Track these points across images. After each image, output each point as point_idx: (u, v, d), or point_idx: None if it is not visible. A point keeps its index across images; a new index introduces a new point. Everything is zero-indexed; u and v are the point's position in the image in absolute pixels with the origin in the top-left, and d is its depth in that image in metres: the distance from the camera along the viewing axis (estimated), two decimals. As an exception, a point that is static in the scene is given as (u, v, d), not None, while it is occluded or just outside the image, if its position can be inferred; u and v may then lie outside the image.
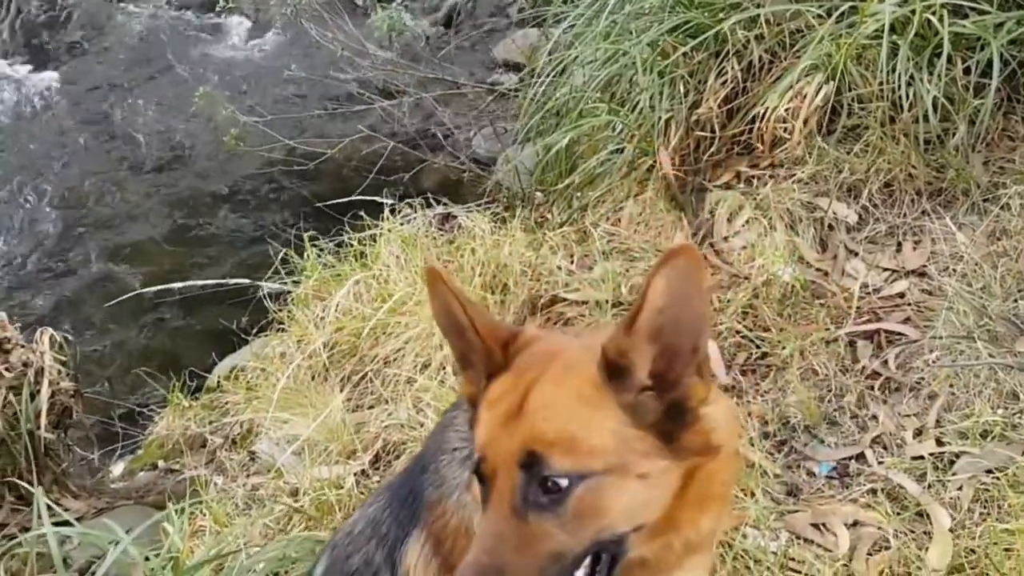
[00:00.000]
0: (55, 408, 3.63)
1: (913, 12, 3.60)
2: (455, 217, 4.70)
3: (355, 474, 3.24)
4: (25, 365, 3.54)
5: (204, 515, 3.09)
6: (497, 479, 1.40)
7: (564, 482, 1.37)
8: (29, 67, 8.58)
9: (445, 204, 4.73)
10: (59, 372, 3.69)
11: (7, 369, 3.47)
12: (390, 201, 4.52)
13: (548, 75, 4.80)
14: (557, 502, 1.38)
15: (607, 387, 1.42)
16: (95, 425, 4.43)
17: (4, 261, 6.63)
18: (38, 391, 3.55)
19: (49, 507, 2.81)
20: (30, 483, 3.26)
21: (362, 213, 4.62)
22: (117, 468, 4.32)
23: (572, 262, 4.10)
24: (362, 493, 3.20)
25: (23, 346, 3.61)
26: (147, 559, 2.45)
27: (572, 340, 1.63)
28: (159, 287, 4.70)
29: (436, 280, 1.51)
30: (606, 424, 1.41)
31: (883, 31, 3.58)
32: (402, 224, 4.41)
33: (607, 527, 1.40)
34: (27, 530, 3.05)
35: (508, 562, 1.35)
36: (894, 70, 3.59)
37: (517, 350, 1.52)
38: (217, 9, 8.81)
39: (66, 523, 2.65)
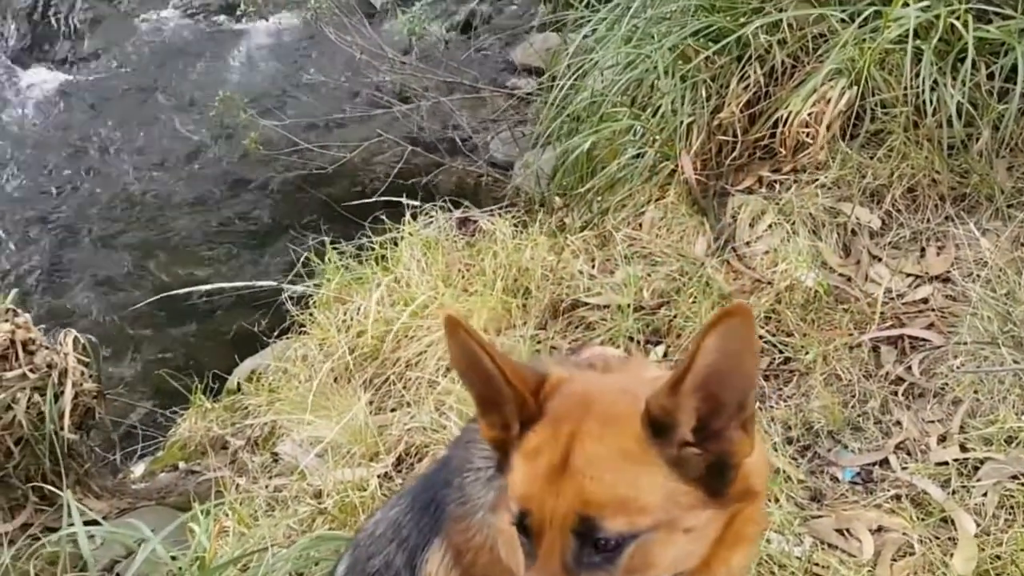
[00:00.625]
0: (78, 409, 3.65)
1: (937, 17, 3.59)
2: (474, 221, 4.71)
3: (378, 476, 3.25)
4: (49, 367, 3.56)
5: (227, 516, 3.09)
6: (545, 537, 1.40)
7: (617, 542, 1.38)
8: (50, 70, 8.63)
9: (466, 207, 4.74)
10: (82, 373, 3.72)
11: (32, 370, 3.49)
12: (416, 203, 4.52)
13: (569, 79, 4.80)
14: (609, 560, 1.38)
15: (652, 442, 1.41)
16: (117, 426, 4.46)
17: (27, 263, 6.67)
18: (62, 392, 3.57)
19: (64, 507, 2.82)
20: (54, 484, 3.28)
21: (383, 216, 4.63)
22: (138, 469, 4.35)
23: (593, 266, 4.10)
24: (384, 495, 3.21)
25: (47, 348, 3.64)
26: (173, 558, 2.46)
27: (603, 382, 1.59)
28: (185, 290, 4.72)
29: (456, 328, 1.46)
30: (654, 480, 1.40)
31: (907, 36, 3.56)
32: (423, 227, 4.42)
33: None
34: (51, 530, 3.07)
35: None
36: (918, 75, 3.58)
37: (547, 395, 1.49)
38: (237, 13, 8.89)
39: (94, 522, 2.66)
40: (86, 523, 2.65)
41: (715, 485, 1.43)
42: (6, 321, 3.56)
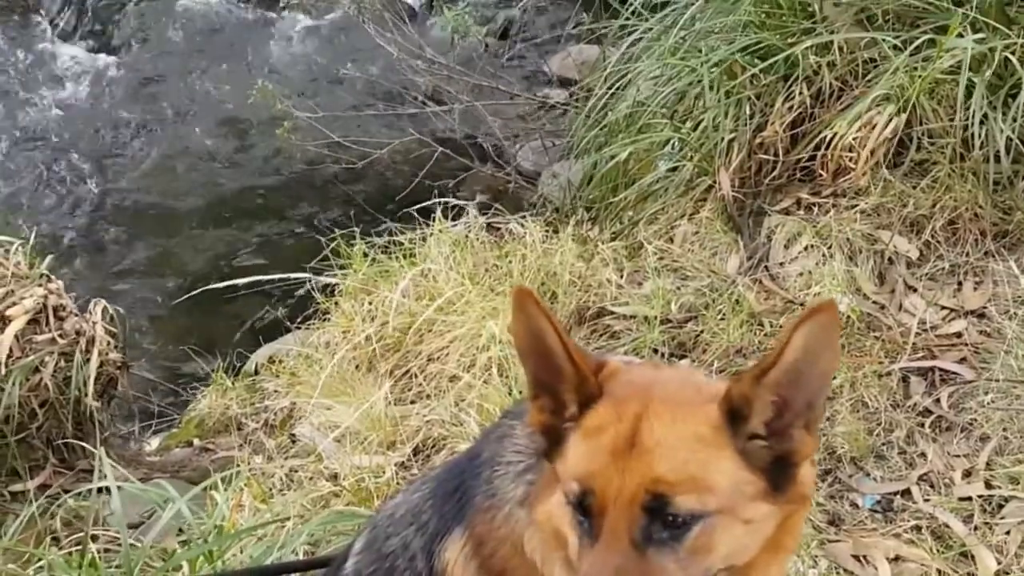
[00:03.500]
0: (102, 378, 3.69)
1: (992, 50, 3.57)
2: (497, 228, 4.71)
3: (395, 465, 3.24)
4: (78, 334, 3.60)
5: (243, 492, 3.09)
6: (610, 514, 1.39)
7: (685, 520, 1.39)
8: (93, 51, 8.69)
9: (498, 209, 4.74)
10: (108, 343, 3.75)
11: (61, 336, 3.52)
12: (454, 201, 4.53)
13: (608, 88, 4.80)
14: (676, 538, 1.39)
15: (725, 429, 1.43)
16: (136, 399, 4.47)
17: (62, 234, 6.73)
18: (87, 360, 3.60)
19: (90, 471, 2.84)
20: (74, 448, 3.30)
21: (413, 212, 4.64)
22: (153, 442, 4.36)
23: (622, 276, 4.09)
24: (400, 484, 3.20)
25: (77, 315, 3.67)
26: (198, 520, 2.47)
27: (661, 372, 1.62)
28: (222, 284, 4.72)
29: (527, 301, 1.45)
30: (724, 465, 1.42)
31: (960, 67, 3.55)
32: (453, 225, 4.42)
33: (710, 566, 1.42)
34: (69, 493, 3.08)
35: None
36: (968, 107, 3.56)
37: (606, 378, 1.50)
38: (280, 4, 8.94)
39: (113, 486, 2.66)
40: (105, 489, 2.65)
41: (777, 481, 1.44)
42: (40, 286, 3.59)
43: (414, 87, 7.28)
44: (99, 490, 2.94)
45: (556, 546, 1.51)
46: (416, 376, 3.77)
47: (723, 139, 4.06)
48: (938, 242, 3.71)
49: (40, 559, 2.43)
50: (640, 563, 1.38)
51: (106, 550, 2.57)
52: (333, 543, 2.57)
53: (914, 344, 3.46)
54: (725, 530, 1.41)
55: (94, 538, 2.51)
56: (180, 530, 2.88)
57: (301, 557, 2.46)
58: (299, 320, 4.71)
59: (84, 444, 3.39)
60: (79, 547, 2.45)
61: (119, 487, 2.41)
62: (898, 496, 3.06)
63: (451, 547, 1.69)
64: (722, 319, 3.67)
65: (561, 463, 1.48)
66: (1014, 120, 3.53)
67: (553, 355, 1.47)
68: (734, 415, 1.42)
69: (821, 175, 3.91)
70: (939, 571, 2.76)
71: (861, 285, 3.67)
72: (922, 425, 3.23)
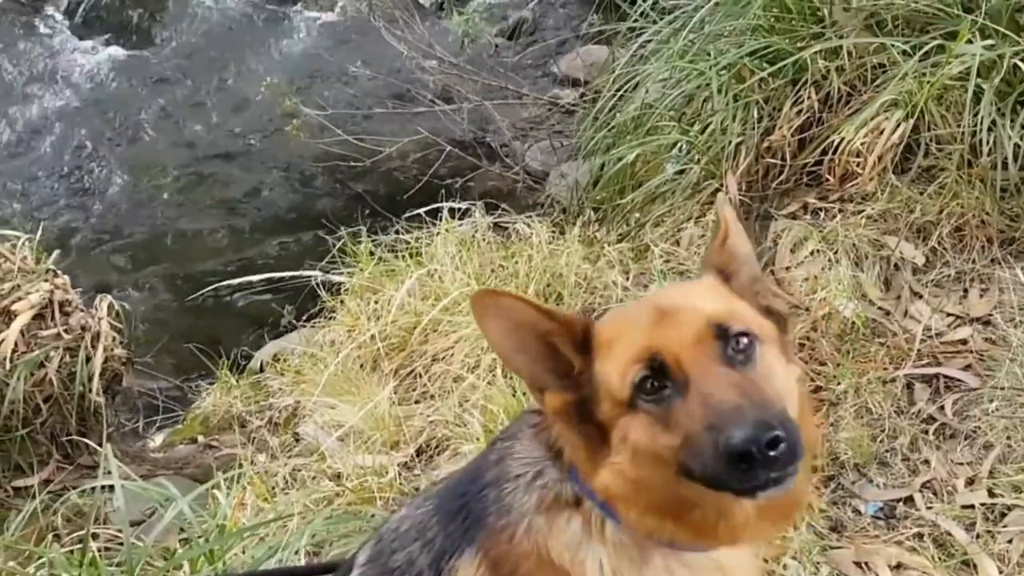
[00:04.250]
0: (106, 373, 3.70)
1: (1001, 56, 3.55)
2: (505, 228, 4.71)
3: (398, 465, 3.24)
4: (83, 329, 3.61)
5: (246, 490, 3.09)
6: (687, 356, 1.45)
7: (747, 340, 1.49)
8: (106, 45, 8.73)
9: (504, 210, 4.74)
10: (114, 339, 3.76)
11: (66, 331, 3.53)
12: (460, 205, 4.53)
13: (616, 90, 4.79)
14: (748, 358, 1.48)
15: (724, 286, 1.61)
16: (141, 395, 4.48)
17: (70, 230, 6.75)
18: (92, 355, 3.60)
19: (93, 467, 2.84)
20: (78, 444, 3.31)
21: (421, 212, 4.64)
22: (157, 439, 4.37)
23: (628, 278, 4.09)
24: (403, 484, 3.20)
25: (83, 310, 3.67)
26: (199, 518, 2.47)
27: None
28: (228, 282, 4.75)
29: (493, 298, 1.53)
30: (740, 304, 1.57)
31: (969, 73, 3.53)
32: (460, 224, 4.42)
33: (782, 397, 1.47)
34: (72, 488, 3.08)
35: (759, 397, 1.41)
36: (976, 114, 3.54)
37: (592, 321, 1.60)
38: (292, 1, 8.95)
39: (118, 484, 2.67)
40: (110, 485, 2.65)
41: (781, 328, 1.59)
42: (46, 281, 3.60)
43: (423, 86, 7.29)
44: (102, 487, 2.94)
45: (655, 464, 1.49)
46: (420, 376, 3.77)
47: (731, 142, 4.05)
48: (944, 248, 3.69)
49: (41, 557, 2.43)
50: (742, 376, 1.45)
51: (106, 548, 2.57)
52: (336, 545, 2.57)
53: (919, 351, 3.44)
54: (775, 358, 1.51)
55: (94, 536, 2.51)
56: (182, 528, 2.89)
57: (303, 558, 2.46)
58: (305, 318, 4.71)
59: (88, 440, 3.39)
60: (80, 545, 2.45)
61: (122, 485, 2.40)
62: (901, 503, 3.05)
63: (463, 569, 1.68)
64: (728, 322, 3.66)
65: (608, 385, 1.51)
66: (1022, 127, 3.52)
67: (534, 326, 1.53)
68: (724, 274, 1.61)
69: (828, 180, 3.90)
70: (940, 579, 2.75)
71: (867, 291, 3.66)
72: (926, 432, 3.21)
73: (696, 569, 1.60)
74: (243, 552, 2.48)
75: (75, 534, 2.74)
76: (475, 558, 1.66)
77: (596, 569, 1.57)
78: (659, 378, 1.45)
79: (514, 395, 3.39)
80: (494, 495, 1.68)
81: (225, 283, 4.81)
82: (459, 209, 4.61)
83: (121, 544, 2.35)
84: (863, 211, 3.82)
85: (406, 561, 1.78)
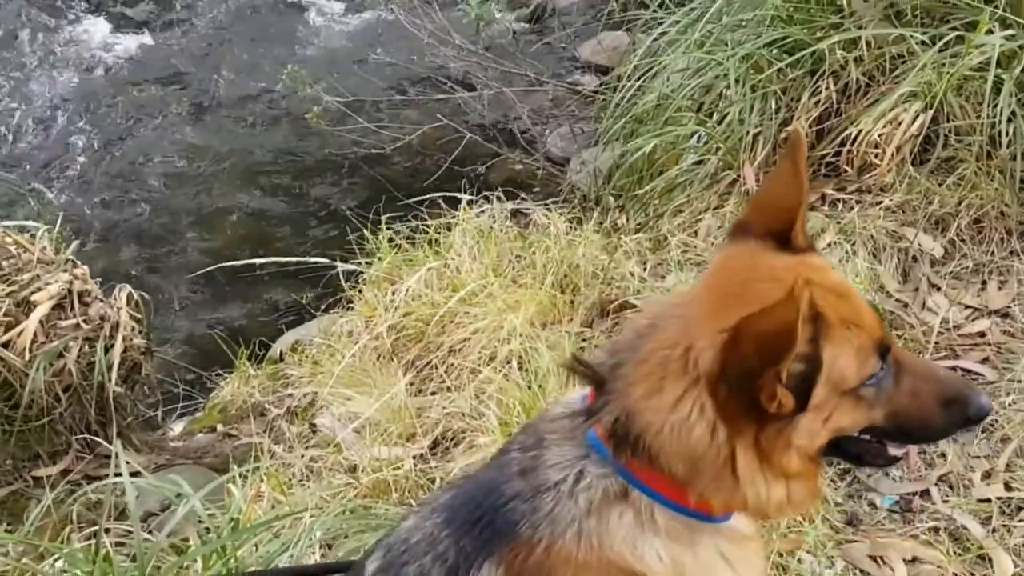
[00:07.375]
0: (125, 363, 3.72)
1: (1021, 47, 3.52)
2: (525, 215, 4.71)
3: (414, 457, 3.26)
4: (102, 319, 3.63)
5: (263, 482, 3.12)
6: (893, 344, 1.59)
7: None
8: (123, 32, 8.75)
9: (522, 199, 4.73)
10: (133, 329, 3.78)
11: (85, 321, 3.56)
12: (473, 199, 4.52)
13: (636, 79, 4.77)
14: None
15: None
16: (160, 384, 4.52)
17: (89, 219, 6.78)
18: (111, 345, 3.64)
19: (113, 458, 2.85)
20: (96, 434, 3.34)
21: (440, 201, 4.64)
22: (176, 428, 4.41)
23: (645, 269, 4.08)
24: (418, 477, 3.22)
25: (102, 300, 3.70)
26: (211, 515, 2.49)
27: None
28: (242, 262, 4.76)
29: (800, 147, 1.63)
30: None
31: (988, 64, 3.50)
32: (477, 215, 4.41)
33: None
34: (89, 478, 3.13)
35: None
36: (996, 105, 3.51)
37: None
38: (311, -12, 8.95)
39: (135, 474, 2.70)
40: (129, 475, 2.67)
41: None
42: (65, 271, 3.63)
43: (445, 73, 7.28)
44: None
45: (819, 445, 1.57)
46: (437, 368, 3.77)
47: (748, 133, 4.04)
48: (963, 240, 3.67)
49: (55, 553, 2.46)
50: None
51: (120, 543, 2.59)
52: (350, 540, 2.58)
53: (936, 343, 3.42)
54: None
55: (107, 531, 2.53)
56: (200, 520, 2.90)
57: (317, 553, 2.48)
58: (324, 307, 4.74)
59: (107, 429, 3.43)
60: (91, 540, 2.47)
61: (132, 481, 2.43)
62: (917, 497, 3.04)
63: None
64: (744, 313, 3.64)
65: (839, 372, 1.51)
66: (1043, 119, 3.49)
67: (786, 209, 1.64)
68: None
69: (846, 171, 3.88)
70: (955, 574, 2.73)
71: (884, 282, 3.64)
72: (943, 425, 3.20)
73: (733, 539, 1.64)
74: (256, 549, 2.49)
75: (89, 529, 2.76)
76: (497, 572, 1.61)
77: (656, 559, 1.56)
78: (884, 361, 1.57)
79: (529, 388, 3.39)
80: (525, 508, 1.61)
81: (242, 262, 4.79)
82: (479, 195, 4.60)
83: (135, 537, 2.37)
84: (881, 202, 3.80)
85: (418, 574, 1.76)
